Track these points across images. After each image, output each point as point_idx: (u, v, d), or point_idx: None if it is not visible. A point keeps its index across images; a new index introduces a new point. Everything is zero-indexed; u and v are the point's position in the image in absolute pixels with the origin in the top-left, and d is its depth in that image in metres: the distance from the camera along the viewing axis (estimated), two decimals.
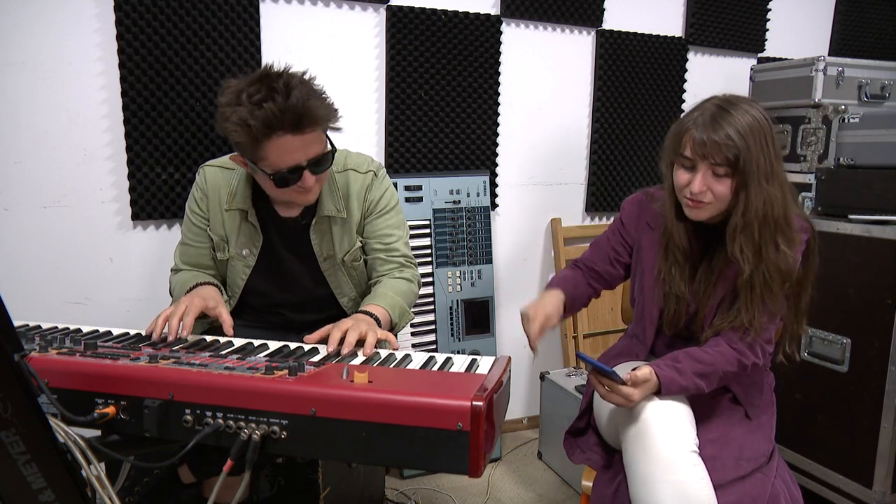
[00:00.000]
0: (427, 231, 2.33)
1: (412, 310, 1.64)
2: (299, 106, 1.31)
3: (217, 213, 1.57)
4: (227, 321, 1.35)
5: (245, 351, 1.23)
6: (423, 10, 2.22)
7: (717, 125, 1.28)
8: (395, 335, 1.48)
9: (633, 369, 1.28)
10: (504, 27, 2.37)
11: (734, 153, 1.26)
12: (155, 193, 1.97)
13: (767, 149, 1.28)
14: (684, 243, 1.41)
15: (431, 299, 2.33)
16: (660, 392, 1.30)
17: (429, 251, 2.33)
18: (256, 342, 1.30)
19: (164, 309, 1.34)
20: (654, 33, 2.61)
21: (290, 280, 1.61)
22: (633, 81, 2.60)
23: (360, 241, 1.62)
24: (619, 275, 1.59)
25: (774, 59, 2.80)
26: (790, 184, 1.38)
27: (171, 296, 1.63)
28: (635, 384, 1.26)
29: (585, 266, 1.62)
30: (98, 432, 1.03)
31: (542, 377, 2.45)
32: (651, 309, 1.49)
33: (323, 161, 1.41)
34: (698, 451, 1.26)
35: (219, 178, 1.57)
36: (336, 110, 1.42)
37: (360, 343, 1.27)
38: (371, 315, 1.40)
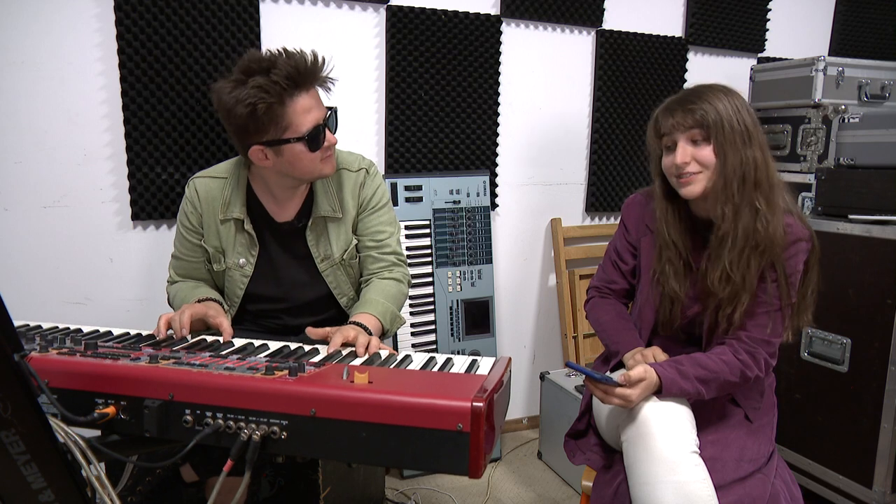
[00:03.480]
0: (427, 231, 2.33)
1: (409, 308, 1.64)
2: (304, 60, 1.39)
3: (211, 225, 1.56)
4: (227, 330, 1.35)
5: (245, 351, 1.23)
6: (423, 10, 2.22)
7: (685, 98, 1.36)
8: (394, 336, 1.49)
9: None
10: (504, 27, 2.37)
11: (701, 115, 1.31)
12: (155, 193, 1.97)
13: (740, 114, 1.32)
14: (676, 239, 1.42)
15: (431, 299, 2.33)
16: (660, 393, 1.30)
17: (429, 251, 2.33)
18: (257, 342, 1.30)
19: (166, 313, 1.35)
20: (654, 33, 2.61)
21: (288, 284, 1.60)
22: (633, 81, 2.60)
23: (356, 239, 1.62)
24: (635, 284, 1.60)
25: (774, 59, 2.80)
26: (781, 180, 1.39)
27: (171, 306, 1.62)
28: (630, 384, 1.26)
29: (608, 289, 1.62)
30: (98, 432, 1.03)
31: (542, 377, 2.45)
32: (647, 311, 1.49)
33: (334, 117, 1.48)
34: (699, 451, 1.26)
35: (211, 188, 1.55)
36: (325, 58, 1.45)
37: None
38: (363, 327, 1.39)
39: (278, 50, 1.40)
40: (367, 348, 1.25)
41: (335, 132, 1.49)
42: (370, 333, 1.38)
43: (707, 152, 1.33)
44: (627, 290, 1.62)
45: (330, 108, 1.47)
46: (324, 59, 1.43)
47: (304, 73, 1.38)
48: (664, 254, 1.44)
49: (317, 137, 1.41)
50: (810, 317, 1.43)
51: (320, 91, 1.47)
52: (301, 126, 1.39)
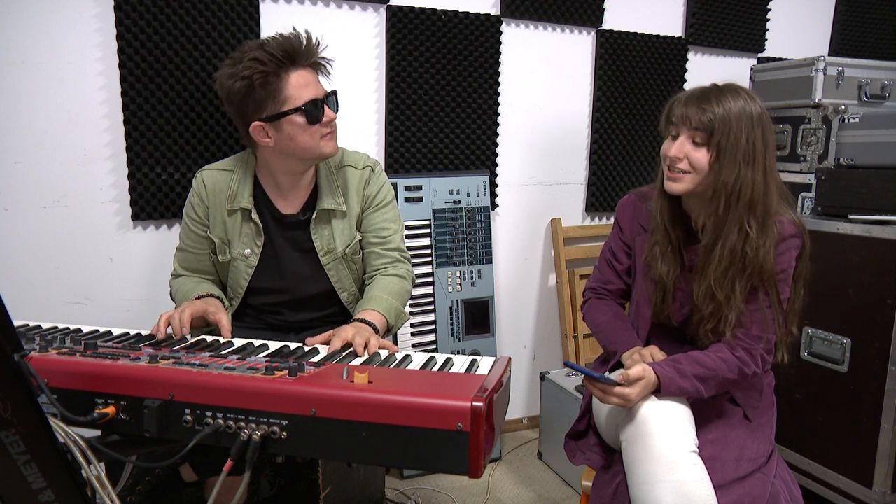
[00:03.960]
0: (427, 231, 2.33)
1: (409, 308, 1.66)
2: (297, 38, 1.44)
3: (217, 217, 1.58)
4: (225, 326, 1.36)
5: (245, 351, 1.23)
6: (423, 10, 2.22)
7: (704, 97, 1.32)
8: (394, 335, 1.50)
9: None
10: (504, 27, 2.37)
11: (710, 118, 1.29)
12: (155, 193, 1.97)
13: (753, 133, 1.30)
14: (668, 223, 1.42)
15: (431, 299, 2.33)
16: (659, 392, 1.30)
17: (429, 251, 2.33)
18: (256, 342, 1.30)
19: (166, 312, 1.36)
20: (654, 33, 2.61)
21: (292, 277, 1.61)
22: (633, 81, 2.60)
23: (360, 235, 1.64)
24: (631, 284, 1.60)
25: (774, 59, 2.80)
26: (782, 184, 1.39)
27: (173, 300, 1.64)
28: (629, 383, 1.26)
29: (604, 289, 1.62)
30: (98, 432, 1.03)
31: (542, 377, 2.45)
32: (644, 308, 1.49)
33: (334, 98, 1.51)
34: (698, 451, 1.26)
35: (218, 180, 1.58)
36: (318, 39, 1.50)
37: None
38: (368, 323, 1.40)
39: (273, 35, 1.47)
40: (366, 347, 1.25)
41: (337, 110, 1.52)
42: (377, 331, 1.39)
43: (701, 156, 1.32)
44: (624, 291, 1.62)
45: (331, 91, 1.51)
46: (318, 40, 1.48)
47: (298, 48, 1.43)
48: (654, 236, 1.44)
49: (315, 110, 1.45)
50: (795, 329, 1.43)
51: (320, 78, 1.52)
52: (299, 99, 1.43)
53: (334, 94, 1.51)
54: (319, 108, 1.45)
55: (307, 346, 1.31)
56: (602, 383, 1.27)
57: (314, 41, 1.47)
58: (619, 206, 1.59)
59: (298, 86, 1.43)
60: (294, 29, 1.47)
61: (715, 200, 1.32)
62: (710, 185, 1.32)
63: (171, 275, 1.67)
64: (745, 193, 1.30)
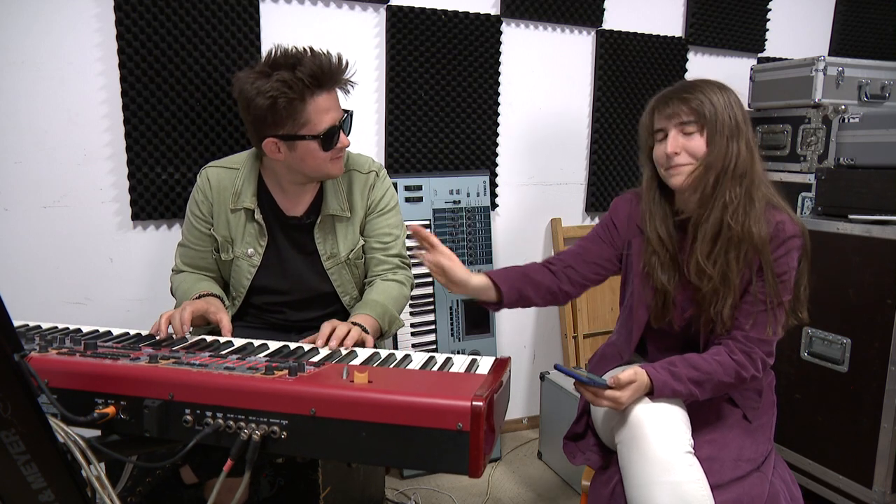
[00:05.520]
0: (427, 231, 2.32)
1: (409, 309, 1.67)
2: (328, 61, 1.42)
3: (222, 214, 1.58)
4: (226, 326, 1.36)
5: (245, 351, 1.23)
6: (423, 10, 2.22)
7: (678, 90, 1.36)
8: (388, 339, 1.51)
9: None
10: (504, 27, 2.37)
11: (697, 105, 1.32)
12: (155, 193, 1.97)
13: (732, 108, 1.34)
14: (661, 232, 1.42)
15: (431, 299, 2.33)
16: (652, 394, 1.29)
17: None
18: (256, 342, 1.30)
19: (166, 311, 1.36)
20: (654, 33, 2.61)
21: (294, 278, 1.62)
22: (634, 81, 2.60)
23: (363, 240, 1.64)
24: (597, 279, 1.54)
25: (774, 59, 2.80)
26: (768, 179, 1.40)
27: (173, 295, 1.64)
28: (619, 386, 1.26)
29: (563, 263, 1.52)
30: (98, 432, 1.03)
31: (542, 377, 2.45)
32: (640, 311, 1.47)
33: (349, 120, 1.51)
34: (693, 451, 1.26)
35: (223, 178, 1.58)
36: (348, 61, 1.48)
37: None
38: (360, 326, 1.41)
39: (304, 48, 1.44)
40: (342, 340, 1.28)
41: (349, 135, 1.52)
42: (367, 333, 1.40)
43: (698, 143, 1.33)
44: (578, 279, 1.51)
45: (346, 111, 1.51)
46: (347, 63, 1.47)
47: (327, 73, 1.42)
48: (650, 246, 1.44)
49: (331, 138, 1.45)
50: (805, 314, 1.41)
51: (339, 93, 1.51)
52: (318, 125, 1.43)
53: (350, 115, 1.52)
54: (335, 135, 1.46)
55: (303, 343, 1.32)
56: (593, 387, 1.27)
57: (344, 64, 1.46)
58: (615, 202, 1.56)
59: (320, 111, 1.43)
60: (328, 52, 1.45)
61: (705, 178, 1.33)
62: (702, 166, 1.33)
63: (172, 270, 1.67)
64: (732, 167, 1.32)
